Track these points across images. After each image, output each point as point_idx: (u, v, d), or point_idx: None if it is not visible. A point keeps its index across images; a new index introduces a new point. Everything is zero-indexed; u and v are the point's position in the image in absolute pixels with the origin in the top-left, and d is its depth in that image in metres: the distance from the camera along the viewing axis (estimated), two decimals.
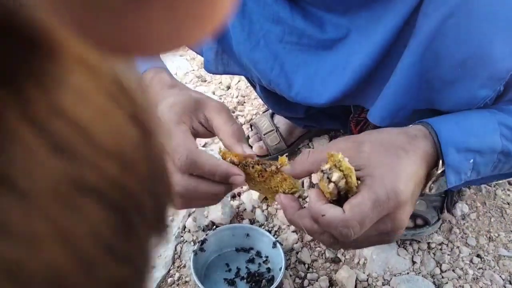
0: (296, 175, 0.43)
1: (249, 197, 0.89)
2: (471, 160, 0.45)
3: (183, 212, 0.84)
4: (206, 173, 0.43)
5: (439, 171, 0.44)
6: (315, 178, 0.40)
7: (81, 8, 0.11)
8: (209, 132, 0.50)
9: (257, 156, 0.99)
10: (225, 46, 0.67)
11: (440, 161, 0.44)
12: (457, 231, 0.82)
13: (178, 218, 0.84)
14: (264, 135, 0.99)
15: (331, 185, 0.37)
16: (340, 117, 0.91)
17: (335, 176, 0.37)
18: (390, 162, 0.38)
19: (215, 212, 0.83)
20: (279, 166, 0.42)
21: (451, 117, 0.47)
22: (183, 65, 1.45)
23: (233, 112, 1.20)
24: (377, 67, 0.53)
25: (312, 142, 1.04)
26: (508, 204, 0.87)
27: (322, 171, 0.38)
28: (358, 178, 0.39)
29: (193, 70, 1.42)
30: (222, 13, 0.14)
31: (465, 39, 0.43)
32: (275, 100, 0.79)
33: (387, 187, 0.37)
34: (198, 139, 0.54)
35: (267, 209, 0.88)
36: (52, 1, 0.11)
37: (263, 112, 1.09)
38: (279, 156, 0.43)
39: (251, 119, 1.16)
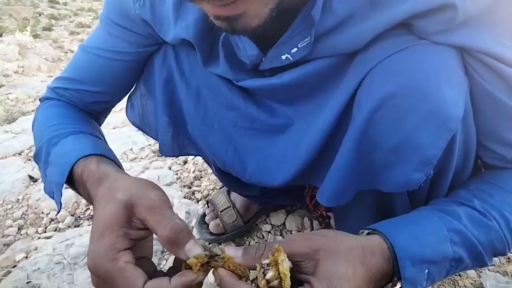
0: (247, 267, 0.42)
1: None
2: (426, 271, 0.45)
3: None
4: None
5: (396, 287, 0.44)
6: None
7: None
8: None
9: (214, 234, 0.97)
10: (181, 130, 0.69)
11: (396, 277, 0.44)
12: None
13: None
14: (220, 212, 0.98)
15: (263, 281, 0.37)
16: (295, 192, 0.93)
17: (269, 274, 0.37)
18: (336, 281, 0.38)
19: None
20: (224, 261, 0.40)
21: (405, 224, 0.48)
22: (140, 140, 1.44)
23: (190, 188, 1.19)
24: (323, 150, 0.56)
25: (269, 218, 1.04)
26: (460, 276, 0.90)
27: (261, 264, 0.38)
28: (301, 282, 0.39)
29: (149, 145, 1.42)
30: None
31: (393, 129, 0.47)
32: (230, 180, 0.79)
33: None
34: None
35: None
36: None
37: (220, 188, 1.09)
38: (225, 253, 0.41)
39: (208, 194, 1.15)
